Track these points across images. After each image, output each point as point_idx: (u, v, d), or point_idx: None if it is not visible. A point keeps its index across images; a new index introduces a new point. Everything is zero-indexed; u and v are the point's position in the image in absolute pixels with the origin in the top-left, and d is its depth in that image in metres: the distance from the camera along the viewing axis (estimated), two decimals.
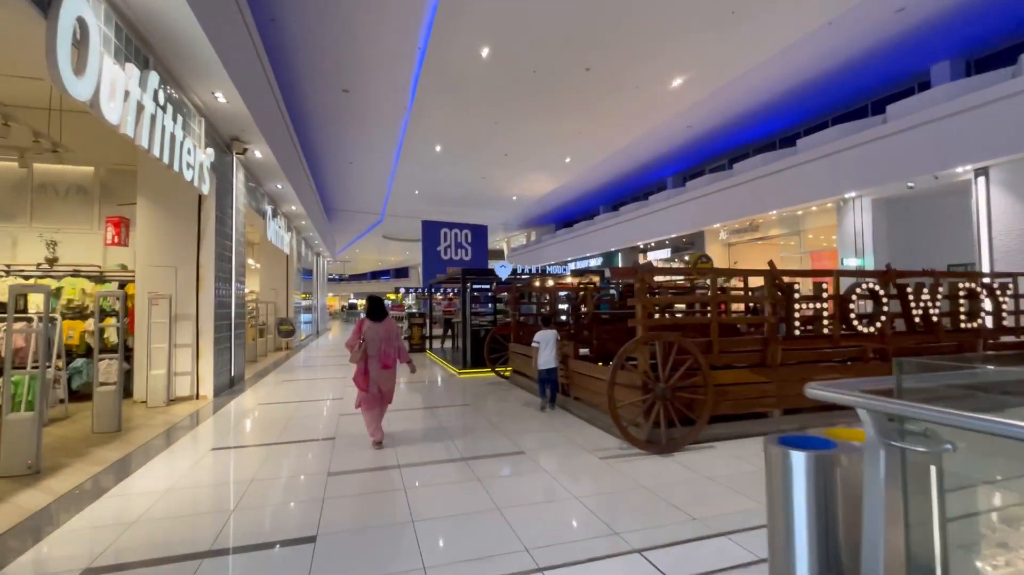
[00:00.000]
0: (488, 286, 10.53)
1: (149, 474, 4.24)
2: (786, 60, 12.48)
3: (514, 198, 26.36)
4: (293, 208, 14.63)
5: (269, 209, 11.84)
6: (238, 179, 9.05)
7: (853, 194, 13.00)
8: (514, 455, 4.69)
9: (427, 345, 14.82)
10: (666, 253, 22.61)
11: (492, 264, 12.71)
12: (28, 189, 7.97)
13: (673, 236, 20.71)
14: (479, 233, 22.02)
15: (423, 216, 22.65)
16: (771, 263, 5.17)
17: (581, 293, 8.79)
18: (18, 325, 6.04)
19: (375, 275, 59.44)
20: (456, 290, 22.60)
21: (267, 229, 11.57)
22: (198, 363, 7.55)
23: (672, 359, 4.62)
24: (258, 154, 9.40)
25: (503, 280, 10.14)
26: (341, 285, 57.47)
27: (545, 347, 6.35)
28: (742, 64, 12.37)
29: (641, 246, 24.02)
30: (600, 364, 6.49)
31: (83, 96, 3.85)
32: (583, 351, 7.44)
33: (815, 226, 15.60)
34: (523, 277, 10.89)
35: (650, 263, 4.65)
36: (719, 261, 18.95)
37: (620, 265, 25.71)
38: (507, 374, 9.10)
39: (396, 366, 5.12)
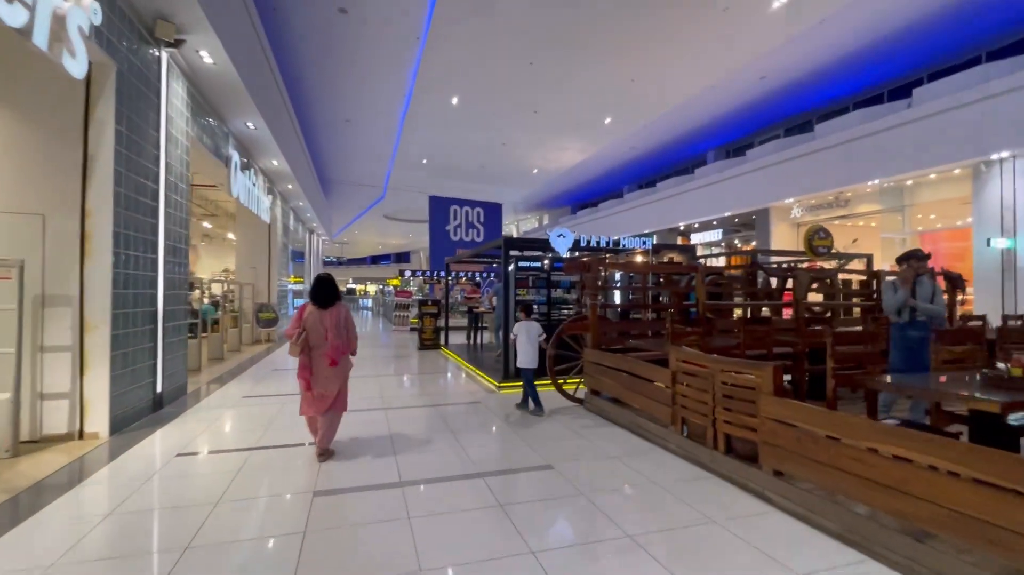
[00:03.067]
0: (539, 264, 7.43)
1: None
2: None
3: (535, 171, 23.15)
4: (275, 163, 11.48)
5: (236, 156, 8.69)
6: (172, 90, 5.91)
7: (1005, 154, 9.93)
8: None
9: (443, 340, 11.79)
10: (716, 235, 19.50)
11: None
12: None
13: (727, 215, 17.63)
14: (493, 212, 19.07)
15: (429, 192, 19.58)
16: None
17: (672, 276, 5.83)
18: None
19: (375, 259, 56.30)
20: (479, 274, 19.49)
21: (231, 182, 8.43)
22: (82, 379, 4.48)
23: None
24: (207, 58, 6.23)
25: (563, 254, 7.01)
26: (340, 269, 54.20)
27: (524, 341, 5.54)
28: None
29: (681, 227, 20.93)
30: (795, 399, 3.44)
31: None
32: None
33: (928, 199, 12.48)
34: (583, 256, 7.76)
35: None
36: (788, 243, 15.86)
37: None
38: (571, 384, 6.08)
39: (347, 362, 4.22)
